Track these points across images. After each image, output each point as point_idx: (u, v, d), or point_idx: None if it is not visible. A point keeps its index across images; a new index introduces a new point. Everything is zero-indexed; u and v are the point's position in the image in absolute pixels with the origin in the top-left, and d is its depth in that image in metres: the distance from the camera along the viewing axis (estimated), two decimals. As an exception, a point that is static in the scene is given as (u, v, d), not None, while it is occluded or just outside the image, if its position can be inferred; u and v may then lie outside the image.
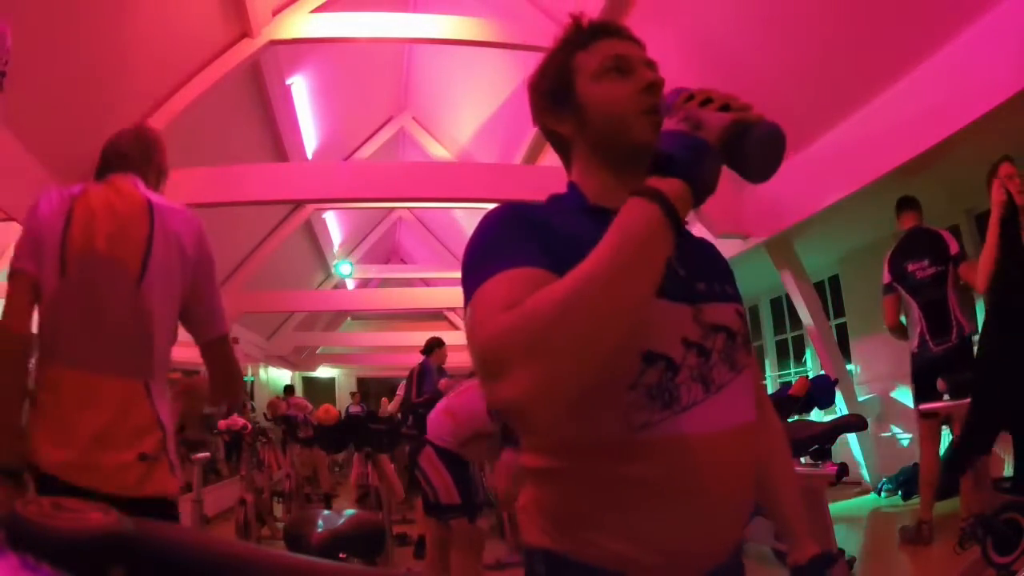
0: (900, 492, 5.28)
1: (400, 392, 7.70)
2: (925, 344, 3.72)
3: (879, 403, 6.37)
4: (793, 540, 1.03)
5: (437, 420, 2.94)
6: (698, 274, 0.89)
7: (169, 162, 1.82)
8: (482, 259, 0.80)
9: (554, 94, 0.96)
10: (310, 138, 9.08)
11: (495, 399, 0.70)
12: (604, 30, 0.96)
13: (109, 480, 1.42)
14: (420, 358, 6.24)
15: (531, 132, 7.73)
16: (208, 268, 1.69)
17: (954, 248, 3.76)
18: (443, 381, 5.99)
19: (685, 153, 0.75)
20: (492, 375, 0.69)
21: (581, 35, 0.96)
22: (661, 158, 0.76)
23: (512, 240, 0.81)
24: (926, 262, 3.78)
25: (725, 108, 0.77)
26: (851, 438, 5.71)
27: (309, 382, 16.98)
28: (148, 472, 1.46)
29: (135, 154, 1.73)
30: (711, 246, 1.00)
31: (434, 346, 6.26)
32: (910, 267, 3.83)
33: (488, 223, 0.87)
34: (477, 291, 0.77)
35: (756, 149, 0.75)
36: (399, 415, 6.44)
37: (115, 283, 1.53)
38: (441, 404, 3.03)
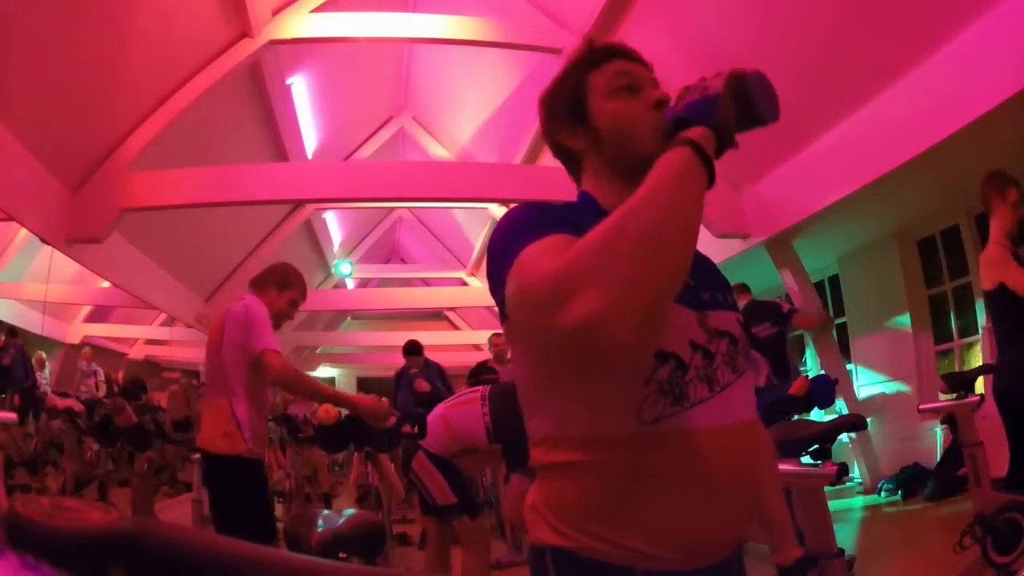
0: (900, 492, 5.29)
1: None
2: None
3: (879, 403, 6.37)
4: (778, 541, 1.07)
5: (434, 425, 2.94)
6: (703, 284, 0.93)
7: (297, 280, 2.92)
8: (519, 234, 0.83)
9: (568, 111, 1.01)
10: (310, 138, 9.07)
11: (564, 326, 0.69)
12: (614, 51, 1.01)
13: (213, 446, 2.59)
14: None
15: (531, 132, 7.72)
16: (248, 327, 2.70)
17: (785, 307, 5.14)
18: (418, 383, 5.94)
19: (701, 106, 0.84)
20: (557, 304, 0.70)
21: (593, 55, 1.02)
22: (681, 121, 0.85)
23: (546, 221, 0.85)
24: (767, 324, 4.95)
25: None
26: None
27: (309, 382, 16.93)
28: (230, 442, 2.58)
29: (264, 277, 2.89)
30: (709, 260, 1.05)
31: (409, 351, 6.17)
32: (753, 330, 4.83)
33: (517, 212, 0.90)
34: (519, 256, 0.79)
35: (757, 89, 0.85)
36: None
37: (212, 354, 2.74)
38: (439, 409, 3.02)
